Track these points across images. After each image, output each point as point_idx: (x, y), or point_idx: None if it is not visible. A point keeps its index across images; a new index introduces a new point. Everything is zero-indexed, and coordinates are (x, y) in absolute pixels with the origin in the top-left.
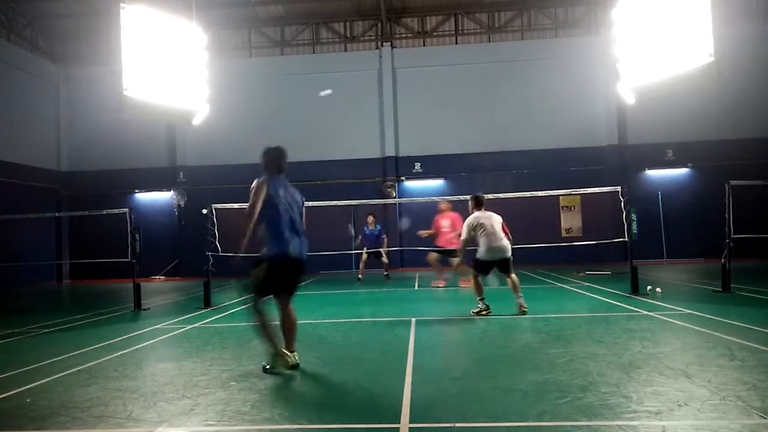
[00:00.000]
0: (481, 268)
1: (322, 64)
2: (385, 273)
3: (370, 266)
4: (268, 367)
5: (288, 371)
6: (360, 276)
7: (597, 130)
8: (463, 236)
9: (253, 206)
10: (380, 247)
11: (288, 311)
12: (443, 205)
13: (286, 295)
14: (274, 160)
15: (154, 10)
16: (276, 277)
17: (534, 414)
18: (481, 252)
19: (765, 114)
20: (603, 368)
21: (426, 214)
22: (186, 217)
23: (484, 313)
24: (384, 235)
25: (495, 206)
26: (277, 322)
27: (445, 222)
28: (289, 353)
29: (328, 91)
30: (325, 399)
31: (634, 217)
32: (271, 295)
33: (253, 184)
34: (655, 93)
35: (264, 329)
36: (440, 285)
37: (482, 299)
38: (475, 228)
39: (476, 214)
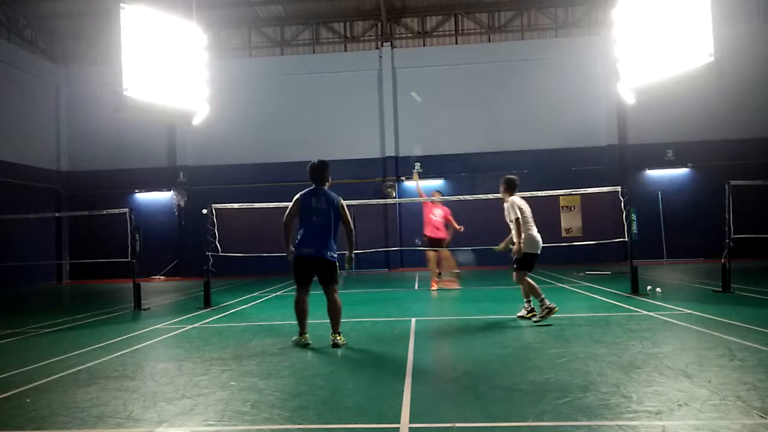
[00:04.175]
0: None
1: (322, 64)
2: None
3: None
4: (292, 340)
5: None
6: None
7: (597, 130)
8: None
9: (287, 214)
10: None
11: (329, 299)
12: (436, 196)
13: (323, 286)
14: (312, 172)
15: (154, 10)
16: (296, 270)
17: (534, 414)
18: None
19: (765, 114)
20: (603, 368)
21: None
22: (186, 217)
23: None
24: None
25: (494, 206)
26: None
27: (437, 211)
28: (334, 335)
29: (417, 97)
30: (325, 399)
31: (634, 217)
32: (306, 284)
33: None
34: (655, 93)
35: (295, 311)
36: (454, 286)
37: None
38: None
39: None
